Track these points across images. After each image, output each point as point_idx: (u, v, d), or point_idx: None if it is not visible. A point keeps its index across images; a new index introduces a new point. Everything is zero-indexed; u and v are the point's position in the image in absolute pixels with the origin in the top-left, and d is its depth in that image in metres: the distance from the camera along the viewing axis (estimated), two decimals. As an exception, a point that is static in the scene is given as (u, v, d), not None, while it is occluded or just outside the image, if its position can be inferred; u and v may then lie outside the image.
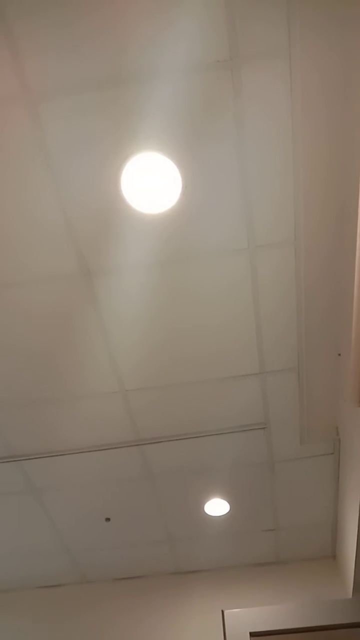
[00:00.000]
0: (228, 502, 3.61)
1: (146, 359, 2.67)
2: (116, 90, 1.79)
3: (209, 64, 1.75)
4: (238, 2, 1.64)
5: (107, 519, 3.69)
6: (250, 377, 2.78)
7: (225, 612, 3.85)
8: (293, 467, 3.36)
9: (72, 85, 1.78)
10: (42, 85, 1.77)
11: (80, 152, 1.93)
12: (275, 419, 3.04)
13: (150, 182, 1.99)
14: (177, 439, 3.10)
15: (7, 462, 3.18)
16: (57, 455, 3.16)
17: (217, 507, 3.64)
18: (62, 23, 1.65)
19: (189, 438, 3.10)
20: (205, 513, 3.69)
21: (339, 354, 2.65)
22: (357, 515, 3.03)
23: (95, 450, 3.14)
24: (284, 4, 1.65)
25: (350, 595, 3.81)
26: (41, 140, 1.89)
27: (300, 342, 2.62)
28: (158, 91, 1.80)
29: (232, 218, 2.15)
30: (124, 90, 1.79)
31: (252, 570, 4.19)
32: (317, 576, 4.08)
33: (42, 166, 1.96)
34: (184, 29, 1.68)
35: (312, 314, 2.50)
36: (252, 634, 3.75)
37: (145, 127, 1.87)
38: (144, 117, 1.85)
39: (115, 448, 3.13)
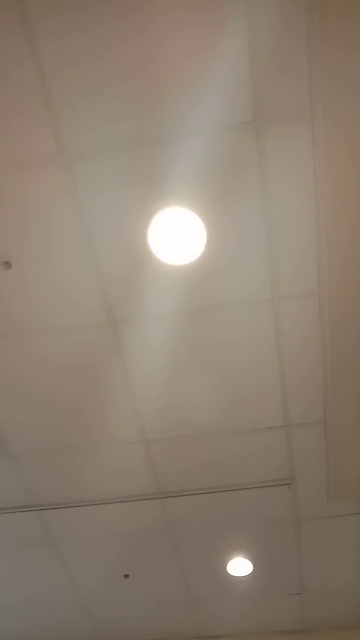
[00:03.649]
0: (251, 561, 3.46)
1: (169, 408, 2.66)
2: (146, 149, 1.89)
3: (234, 124, 1.84)
4: (262, 69, 1.74)
5: (126, 576, 3.57)
6: (275, 430, 2.73)
7: None
8: (320, 526, 3.22)
9: (104, 145, 1.88)
10: (77, 145, 1.88)
11: (110, 206, 2.02)
12: (301, 475, 2.95)
13: (176, 235, 2.06)
14: (198, 493, 3.03)
15: (28, 510, 3.15)
16: (77, 506, 3.12)
17: (240, 566, 3.49)
18: (97, 86, 1.77)
19: (211, 492, 3.03)
20: (228, 573, 3.54)
21: (366, 408, 2.60)
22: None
23: (116, 502, 3.09)
24: (305, 72, 1.74)
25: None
26: (74, 195, 1.99)
27: (326, 394, 2.58)
28: (185, 150, 1.89)
29: (255, 270, 2.18)
30: (153, 149, 1.89)
31: (277, 639, 3.94)
32: (346, 651, 3.82)
33: (73, 218, 2.05)
34: (211, 92, 1.78)
35: (338, 365, 2.47)
36: None
37: (172, 183, 1.96)
38: (171, 174, 1.94)
39: (136, 500, 3.07)
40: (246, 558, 3.44)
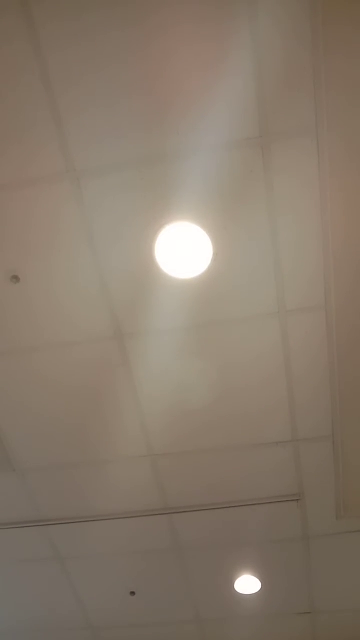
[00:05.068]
0: (260, 579, 3.41)
1: (176, 422, 2.64)
2: (153, 164, 1.90)
3: (240, 140, 1.85)
4: (268, 85, 1.75)
5: (132, 593, 3.53)
6: (283, 445, 2.71)
7: None
8: (329, 543, 3.17)
9: (111, 160, 1.90)
10: (84, 161, 1.90)
11: (118, 221, 2.03)
12: (310, 491, 2.91)
13: (183, 249, 2.07)
14: (206, 509, 2.99)
15: (34, 526, 3.13)
16: (84, 521, 3.09)
17: (248, 584, 3.44)
18: (104, 102, 1.79)
19: (219, 508, 3.00)
20: (236, 591, 3.48)
21: (375, 423, 2.57)
22: None
23: (123, 518, 3.06)
24: (310, 87, 1.76)
25: None
26: (81, 210, 2.00)
27: (335, 408, 2.56)
28: (192, 165, 1.90)
29: (262, 283, 2.19)
30: (160, 165, 1.91)
31: (287, 659, 3.86)
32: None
33: (81, 233, 2.06)
34: (217, 107, 1.80)
35: (346, 379, 2.45)
36: None
37: (179, 198, 1.97)
38: (178, 189, 1.95)
39: (143, 516, 3.05)
40: (254, 576, 3.39)
